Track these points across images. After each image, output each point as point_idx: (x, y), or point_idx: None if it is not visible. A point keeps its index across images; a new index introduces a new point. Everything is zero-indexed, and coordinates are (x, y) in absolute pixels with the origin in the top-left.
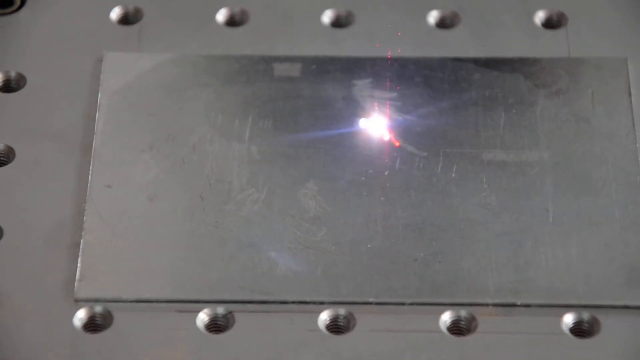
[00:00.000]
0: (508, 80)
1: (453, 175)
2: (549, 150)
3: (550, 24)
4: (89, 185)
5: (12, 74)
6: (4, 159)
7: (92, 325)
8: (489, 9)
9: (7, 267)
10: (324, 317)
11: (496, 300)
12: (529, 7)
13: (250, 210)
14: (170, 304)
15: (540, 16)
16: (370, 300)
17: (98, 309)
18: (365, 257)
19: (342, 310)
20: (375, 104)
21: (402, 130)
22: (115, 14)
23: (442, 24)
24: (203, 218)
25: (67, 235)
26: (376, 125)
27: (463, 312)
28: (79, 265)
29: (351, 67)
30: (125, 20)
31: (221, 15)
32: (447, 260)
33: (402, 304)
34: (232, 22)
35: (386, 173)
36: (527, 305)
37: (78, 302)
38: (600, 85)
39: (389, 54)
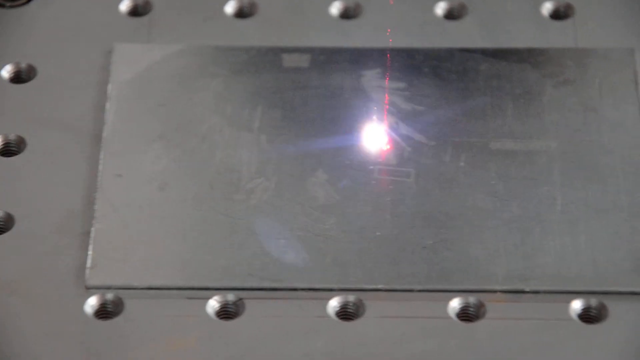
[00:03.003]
0: (516, 70)
1: (461, 164)
2: (557, 139)
3: (557, 14)
4: (99, 174)
5: (23, 65)
6: (15, 149)
7: (103, 312)
8: (496, 0)
9: (19, 256)
10: (334, 303)
11: (504, 287)
12: None
13: (259, 199)
14: (180, 291)
15: (547, 7)
16: (380, 287)
17: (109, 296)
18: (374, 245)
19: (351, 297)
20: (384, 94)
21: (411, 120)
22: (124, 5)
23: (450, 15)
24: (213, 207)
25: (78, 224)
26: (385, 115)
27: (472, 299)
28: (90, 252)
29: (359, 58)
30: (134, 12)
31: (230, 7)
32: (455, 248)
33: (411, 290)
34: (241, 13)
35: (395, 162)
36: (536, 292)
37: (89, 290)
38: (607, 75)
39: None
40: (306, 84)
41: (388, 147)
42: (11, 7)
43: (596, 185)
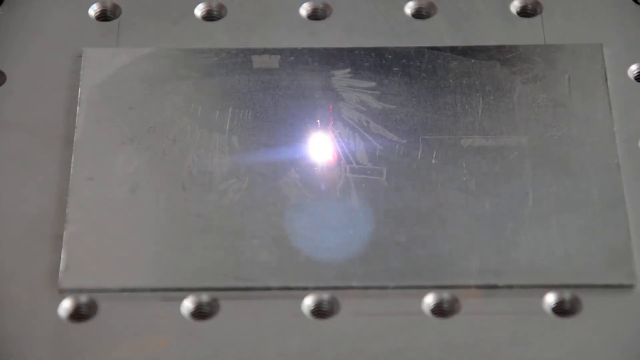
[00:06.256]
0: (485, 67)
1: (433, 161)
2: (527, 135)
3: (525, 12)
4: (70, 177)
5: None
6: None
7: (77, 315)
8: None
9: None
10: (308, 302)
11: (478, 282)
12: None
13: (232, 200)
14: (154, 292)
15: (515, 5)
16: (354, 284)
17: (83, 298)
18: (348, 243)
19: (325, 295)
20: (354, 93)
21: (382, 119)
22: (93, 10)
23: (419, 14)
24: (185, 208)
25: (49, 227)
26: (355, 114)
27: (446, 294)
28: (62, 255)
29: (329, 58)
30: (103, 16)
31: (199, 10)
32: (429, 244)
33: (385, 287)
34: (210, 16)
35: (366, 160)
36: (509, 286)
37: (62, 293)
38: (576, 71)
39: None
40: (276, 85)
41: (359, 146)
42: None
43: (567, 180)
